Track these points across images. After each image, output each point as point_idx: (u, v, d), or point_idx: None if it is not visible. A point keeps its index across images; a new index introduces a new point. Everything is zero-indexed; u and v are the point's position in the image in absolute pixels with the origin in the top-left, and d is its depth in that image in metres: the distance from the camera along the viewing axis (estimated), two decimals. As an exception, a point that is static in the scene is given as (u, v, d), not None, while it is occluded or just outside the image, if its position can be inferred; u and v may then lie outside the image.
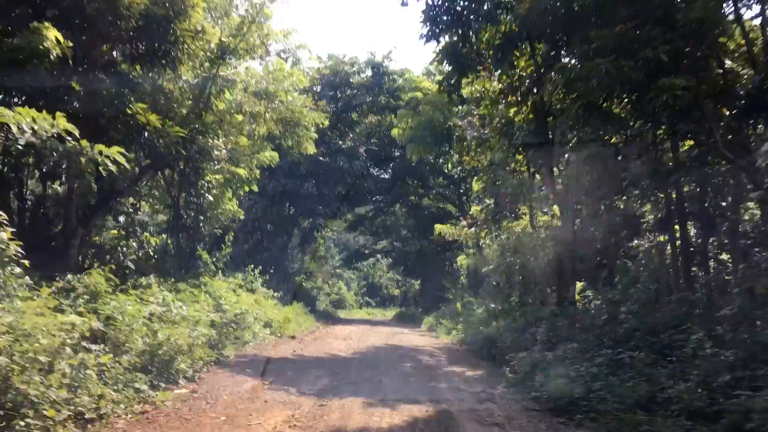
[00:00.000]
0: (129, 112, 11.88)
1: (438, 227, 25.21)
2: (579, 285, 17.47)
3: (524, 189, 20.28)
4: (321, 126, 22.53)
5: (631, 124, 13.37)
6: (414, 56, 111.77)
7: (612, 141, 14.67)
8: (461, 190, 38.79)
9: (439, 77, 20.22)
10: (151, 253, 21.14)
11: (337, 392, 9.52)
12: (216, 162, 16.96)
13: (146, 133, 12.11)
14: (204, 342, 10.84)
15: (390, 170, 37.84)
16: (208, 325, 11.84)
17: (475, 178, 21.94)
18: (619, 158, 14.86)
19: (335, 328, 24.87)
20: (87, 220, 14.76)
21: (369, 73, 34.97)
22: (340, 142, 32.72)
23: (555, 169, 18.39)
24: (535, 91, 16.98)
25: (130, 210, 18.39)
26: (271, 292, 25.61)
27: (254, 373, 10.57)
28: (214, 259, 24.77)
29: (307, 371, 11.18)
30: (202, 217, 21.41)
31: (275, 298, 25.47)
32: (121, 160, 10.34)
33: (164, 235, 21.58)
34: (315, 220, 30.41)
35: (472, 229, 23.34)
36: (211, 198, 21.19)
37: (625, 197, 16.03)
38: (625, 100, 12.04)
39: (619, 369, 9.59)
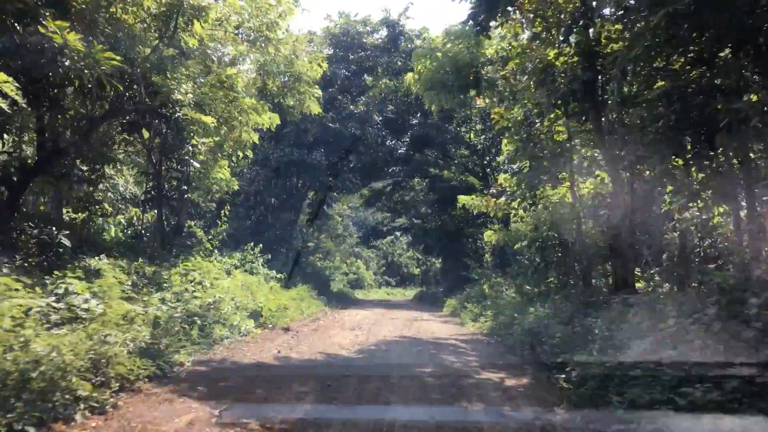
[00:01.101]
0: (41, 31, 8.45)
1: (462, 199, 21.69)
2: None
3: (565, 149, 16.68)
4: (320, 68, 18.96)
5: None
6: (434, 14, 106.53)
7: (693, 74, 10.99)
8: (485, 161, 35.15)
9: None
10: (124, 230, 17.92)
11: (321, 427, 6.14)
12: (179, 106, 13.46)
13: (66, 61, 8.64)
14: (135, 349, 7.44)
15: (407, 139, 34.23)
16: (150, 324, 8.43)
17: (505, 139, 18.26)
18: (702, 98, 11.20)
19: (345, 313, 21.52)
20: (20, 188, 11.45)
21: (384, 32, 31.37)
22: (351, 107, 29.15)
23: (605, 121, 14.81)
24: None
25: (92, 177, 15.07)
26: (273, 273, 22.29)
27: (205, 394, 7.17)
28: (209, 237, 21.56)
29: (285, 387, 7.74)
30: (186, 187, 18.03)
31: (278, 280, 22.16)
32: (9, 90, 6.96)
33: (139, 209, 18.27)
34: (325, 193, 27.00)
35: (501, 199, 19.75)
36: (197, 165, 17.81)
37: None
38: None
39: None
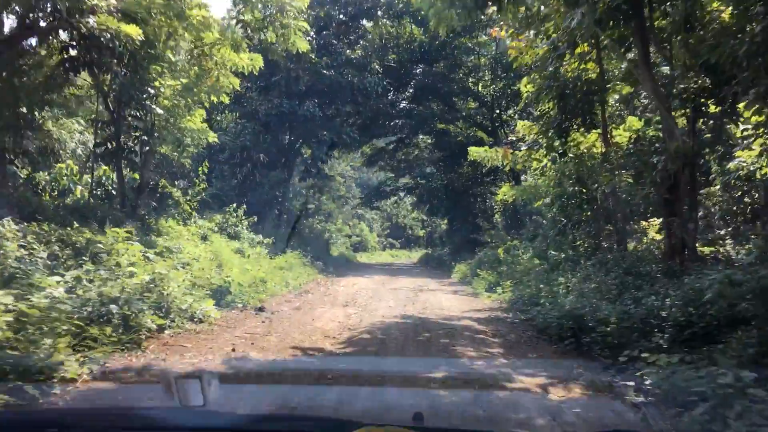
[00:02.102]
0: None
1: (473, 151, 18.58)
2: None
3: (600, 86, 13.53)
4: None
5: None
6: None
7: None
8: (495, 114, 31.91)
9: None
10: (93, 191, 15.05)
11: None
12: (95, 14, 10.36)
13: None
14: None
15: (411, 91, 30.97)
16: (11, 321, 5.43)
17: (525, 80, 15.12)
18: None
19: (342, 282, 18.60)
20: None
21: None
22: (348, 51, 25.82)
23: (653, 48, 11.69)
24: None
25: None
26: (259, 238, 19.33)
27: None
28: (188, 198, 18.61)
29: None
30: (147, 138, 14.99)
31: (266, 245, 19.21)
32: None
33: (92, 164, 15.33)
34: (321, 149, 23.92)
35: (523, 149, 16.64)
36: (159, 111, 14.73)
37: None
38: None
39: None
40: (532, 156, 15.61)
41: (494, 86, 30.37)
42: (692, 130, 10.88)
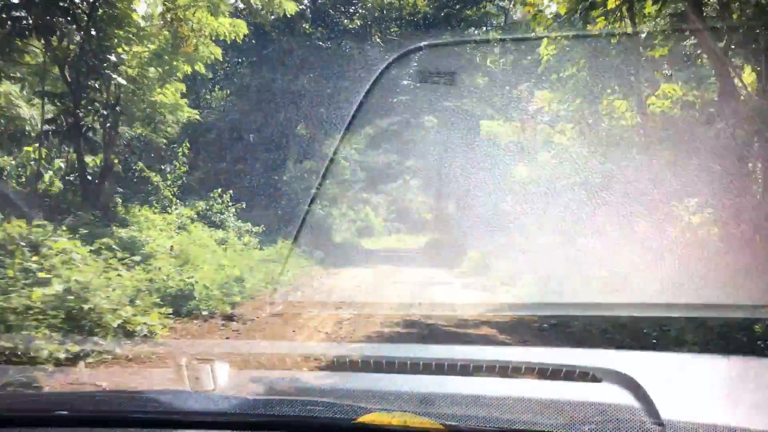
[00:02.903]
0: None
1: (485, 126, 16.21)
2: None
3: (637, 44, 11.26)
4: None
5: None
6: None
7: None
8: (505, 89, 29.47)
9: None
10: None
11: None
12: None
13: None
14: None
15: (415, 64, 28.59)
16: None
17: (546, 42, 12.84)
18: None
19: (340, 275, 16.41)
20: None
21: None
22: (346, 21, 23.46)
23: None
24: None
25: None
26: (248, 226, 17.16)
27: None
28: (168, 183, 16.46)
29: None
30: (107, 112, 12.82)
31: (254, 234, 17.04)
32: None
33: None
34: (318, 127, 21.64)
35: (543, 124, 14.41)
36: (122, 81, 12.53)
37: None
38: None
39: None
40: (557, 128, 13.32)
41: (503, 60, 27.96)
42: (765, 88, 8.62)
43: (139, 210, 14.39)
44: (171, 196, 16.65)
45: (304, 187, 29.77)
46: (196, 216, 16.36)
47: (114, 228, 11.57)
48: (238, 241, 16.16)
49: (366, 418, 1.89)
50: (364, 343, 6.87)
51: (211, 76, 22.22)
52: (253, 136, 20.09)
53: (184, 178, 17.08)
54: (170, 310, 8.05)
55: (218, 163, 20.10)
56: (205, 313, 8.78)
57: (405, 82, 30.17)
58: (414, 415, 1.91)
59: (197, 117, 16.86)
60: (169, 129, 16.19)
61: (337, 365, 5.73)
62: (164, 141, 16.11)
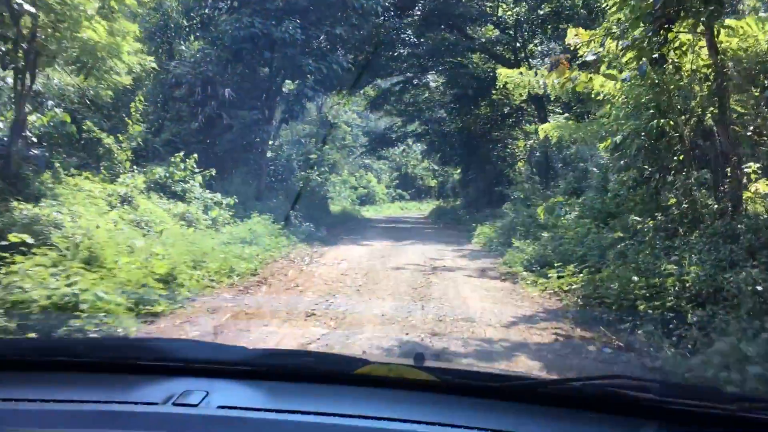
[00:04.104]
0: None
1: (504, 74, 12.74)
2: None
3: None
4: None
5: None
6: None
7: None
8: (518, 44, 25.88)
9: None
10: None
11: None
12: None
13: None
14: None
15: (418, 13, 25.03)
16: None
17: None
18: None
19: (328, 256, 13.15)
20: None
21: None
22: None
23: None
24: None
25: None
26: (217, 197, 13.97)
27: None
28: (121, 146, 13.27)
29: None
30: (13, 47, 9.57)
31: (227, 207, 13.87)
32: None
33: None
34: (305, 82, 18.19)
35: (576, 72, 11.01)
36: (30, 7, 9.22)
37: None
38: None
39: None
40: (603, 71, 9.91)
41: (518, 8, 24.36)
42: None
43: (75, 178, 11.21)
44: (126, 162, 13.44)
45: (292, 151, 26.57)
46: (153, 185, 13.16)
47: (16, 204, 8.39)
48: (203, 216, 12.97)
49: (364, 370, 1.90)
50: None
51: (185, 23, 18.84)
52: (228, 92, 16.68)
53: (139, 140, 13.80)
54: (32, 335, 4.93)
55: (188, 123, 16.76)
56: (94, 333, 5.56)
57: (410, 31, 26.47)
58: (410, 368, 1.91)
59: (154, 66, 13.53)
60: (118, 79, 12.84)
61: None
62: (110, 94, 12.79)
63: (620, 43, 9.31)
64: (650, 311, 6.84)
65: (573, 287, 9.21)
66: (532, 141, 26.51)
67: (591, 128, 12.57)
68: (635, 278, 7.41)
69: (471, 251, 15.11)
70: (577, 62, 11.71)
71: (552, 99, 13.54)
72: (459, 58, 26.51)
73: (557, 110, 24.87)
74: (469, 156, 30.58)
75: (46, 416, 1.72)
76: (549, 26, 23.75)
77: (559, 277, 9.56)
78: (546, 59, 23.09)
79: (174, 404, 1.71)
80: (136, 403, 1.73)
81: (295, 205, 19.78)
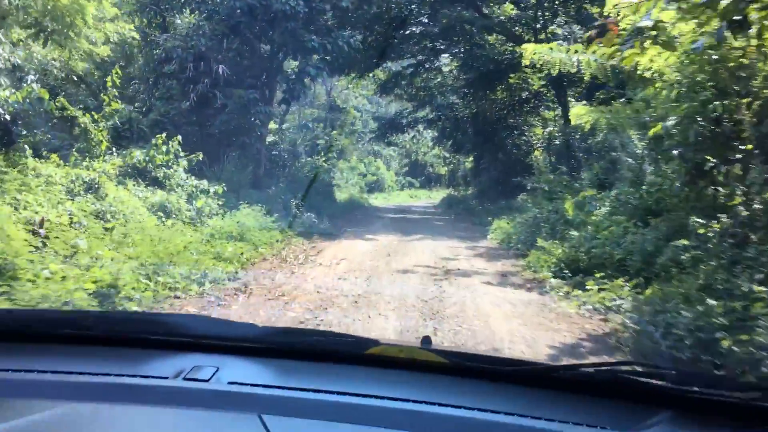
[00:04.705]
0: None
1: (529, 50, 10.85)
2: None
3: None
4: None
5: None
6: None
7: None
8: (538, 25, 23.94)
9: None
10: None
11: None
12: None
13: None
14: None
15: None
16: None
17: None
18: None
19: (324, 254, 11.40)
20: None
21: None
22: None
23: None
24: None
25: None
26: (204, 184, 12.28)
27: None
28: (98, 126, 11.56)
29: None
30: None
31: (216, 196, 12.18)
32: None
33: None
34: (307, 60, 16.39)
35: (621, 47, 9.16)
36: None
37: None
38: None
39: None
40: (661, 38, 8.10)
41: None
42: None
43: (37, 161, 9.59)
44: (103, 143, 11.78)
45: (298, 136, 24.88)
46: (131, 170, 11.48)
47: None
48: (186, 207, 11.29)
49: (375, 350, 1.86)
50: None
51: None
52: (222, 68, 14.94)
53: (117, 119, 12.13)
54: None
55: (178, 102, 15.04)
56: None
57: (423, 8, 24.58)
58: (420, 350, 1.89)
59: (134, 35, 11.84)
60: (94, 50, 11.15)
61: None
62: (83, 65, 11.12)
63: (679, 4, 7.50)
64: (735, 348, 5.12)
65: (617, 302, 7.50)
66: (551, 128, 24.75)
67: (630, 112, 10.78)
68: (711, 302, 5.67)
69: (488, 249, 13.37)
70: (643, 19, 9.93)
71: (585, 79, 11.72)
72: (476, 38, 24.57)
73: (577, 96, 23.13)
74: (483, 143, 28.75)
75: (54, 388, 1.66)
76: (572, 4, 21.87)
77: (600, 290, 7.82)
78: (564, 42, 21.33)
79: (184, 379, 1.68)
80: (146, 377, 1.70)
81: (296, 193, 18.16)
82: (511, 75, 25.18)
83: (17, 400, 1.60)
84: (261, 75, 16.68)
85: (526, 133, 27.04)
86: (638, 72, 9.80)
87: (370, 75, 30.08)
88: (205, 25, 15.50)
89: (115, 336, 1.98)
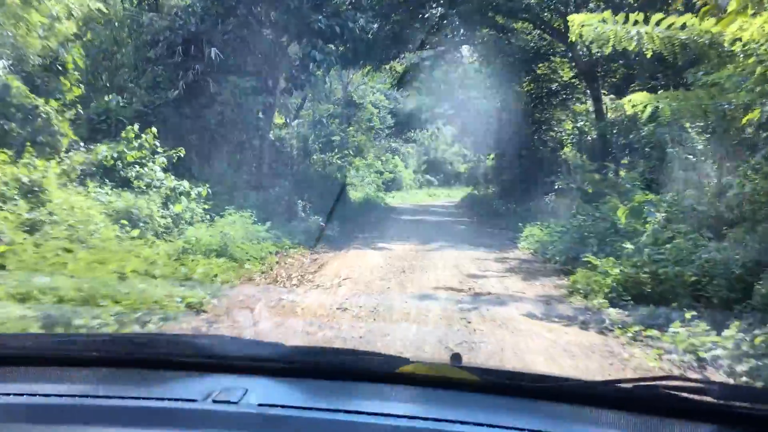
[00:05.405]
0: None
1: (579, 21, 8.66)
2: None
3: None
4: None
5: None
6: None
7: None
8: (570, 9, 21.59)
9: None
10: None
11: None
12: None
13: None
14: None
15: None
16: None
17: None
18: None
19: (327, 268, 9.33)
20: None
21: None
22: None
23: None
24: None
25: None
26: (184, 185, 10.23)
27: None
28: (63, 116, 9.56)
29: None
30: None
31: (198, 199, 10.14)
32: None
33: None
34: (312, 43, 14.27)
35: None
36: None
37: None
38: None
39: None
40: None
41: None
42: None
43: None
44: (65, 138, 9.82)
45: (311, 132, 22.91)
46: (96, 169, 9.49)
47: None
48: (161, 213, 9.26)
49: (406, 369, 1.80)
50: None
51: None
52: (214, 52, 12.91)
53: (79, 107, 10.13)
54: None
55: (165, 91, 13.04)
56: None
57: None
58: (452, 367, 1.83)
59: (100, 6, 9.82)
60: (57, 27, 9.20)
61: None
62: (40, 43, 9.14)
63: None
64: None
65: (714, 352, 5.36)
66: (582, 122, 22.51)
67: (704, 97, 8.57)
68: None
69: (520, 262, 11.18)
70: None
71: (648, 55, 9.44)
72: (501, 21, 22.30)
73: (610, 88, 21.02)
74: (506, 140, 26.45)
75: (82, 412, 1.65)
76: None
77: (690, 335, 5.65)
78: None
79: (213, 401, 1.64)
80: (175, 400, 1.67)
81: (304, 194, 16.19)
82: (540, 65, 22.97)
83: (47, 426, 1.56)
84: (261, 61, 14.58)
85: (555, 128, 24.73)
86: (722, 45, 7.67)
87: (387, 67, 27.99)
88: (197, 3, 13.46)
89: (141, 358, 1.93)
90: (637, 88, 17.35)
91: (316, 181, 19.67)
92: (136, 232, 8.27)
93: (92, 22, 14.01)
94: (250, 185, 13.36)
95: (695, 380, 1.92)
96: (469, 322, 6.37)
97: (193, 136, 12.65)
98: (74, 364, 1.90)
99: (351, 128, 33.93)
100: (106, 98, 12.23)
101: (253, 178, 13.98)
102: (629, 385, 1.66)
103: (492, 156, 32.61)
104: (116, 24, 14.06)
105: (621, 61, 19.80)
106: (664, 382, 1.66)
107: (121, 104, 12.29)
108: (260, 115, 14.75)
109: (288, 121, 19.40)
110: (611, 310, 7.11)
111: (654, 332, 6.09)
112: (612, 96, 20.68)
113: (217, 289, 7.10)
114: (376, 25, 19.60)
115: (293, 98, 18.46)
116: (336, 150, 27.04)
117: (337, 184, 22.92)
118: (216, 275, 7.36)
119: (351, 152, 32.59)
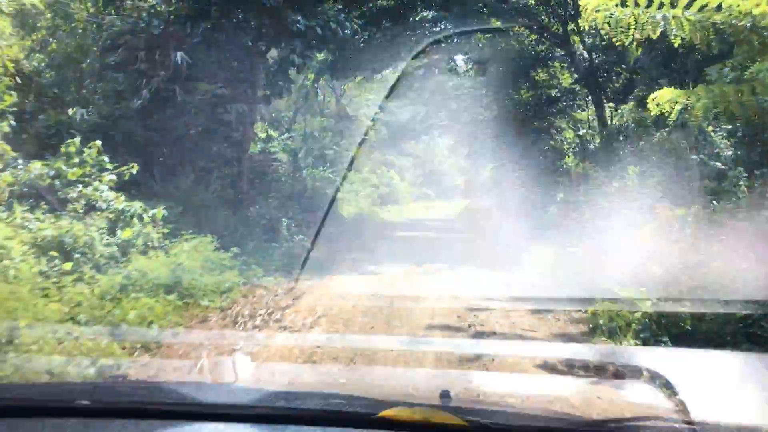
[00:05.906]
0: None
1: (591, 5, 7.26)
2: None
3: None
4: None
5: None
6: None
7: None
8: (567, 12, 20.27)
9: None
10: None
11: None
12: None
13: None
14: None
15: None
16: None
17: None
18: None
19: (303, 304, 7.82)
20: None
21: None
22: None
23: None
24: None
25: None
26: (136, 207, 8.70)
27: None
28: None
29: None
30: None
31: (157, 223, 8.62)
32: None
33: None
34: (290, 46, 12.82)
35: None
36: None
37: None
38: None
39: None
40: None
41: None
42: None
43: None
44: (7, 150, 8.37)
45: (301, 146, 21.59)
46: (27, 189, 8.01)
47: None
48: (105, 240, 7.77)
49: (388, 413, 1.80)
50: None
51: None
52: (184, 57, 11.49)
53: (10, 119, 8.66)
54: None
55: (127, 101, 11.58)
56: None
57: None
58: (436, 410, 1.82)
59: (35, 2, 8.39)
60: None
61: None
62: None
63: None
64: None
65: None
66: (583, 131, 21.21)
67: (745, 93, 7.15)
68: None
69: (527, 287, 9.69)
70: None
71: (675, 44, 8.07)
72: (496, 23, 20.96)
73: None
74: (504, 150, 25.16)
75: None
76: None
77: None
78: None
79: None
80: None
81: (288, 212, 14.80)
82: (538, 70, 21.67)
83: None
84: (236, 67, 13.15)
85: (555, 137, 23.33)
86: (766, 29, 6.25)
87: (379, 77, 26.74)
88: (161, 3, 12.05)
89: (120, 407, 1.89)
90: (640, 94, 16.10)
91: (305, 198, 18.25)
92: (68, 266, 6.79)
93: (58, 30, 12.74)
94: (223, 204, 11.88)
95: (690, 422, 1.69)
96: (470, 382, 4.87)
97: (156, 149, 11.18)
98: (58, 414, 1.85)
99: (345, 141, 32.65)
100: (70, 111, 10.82)
101: (228, 195, 12.50)
102: (620, 425, 1.66)
103: (490, 167, 31.28)
104: (79, 31, 12.72)
105: (623, 66, 18.61)
106: (675, 425, 1.64)
107: (85, 116, 10.91)
108: (240, 126, 13.32)
109: (279, 134, 18.03)
110: (647, 354, 5.63)
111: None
112: (610, 105, 19.50)
113: (153, 336, 5.59)
114: (366, 33, 18.35)
115: (284, 112, 17.01)
116: (329, 164, 25.79)
117: (328, 200, 21.50)
118: (154, 321, 5.86)
119: (344, 166, 31.22)
